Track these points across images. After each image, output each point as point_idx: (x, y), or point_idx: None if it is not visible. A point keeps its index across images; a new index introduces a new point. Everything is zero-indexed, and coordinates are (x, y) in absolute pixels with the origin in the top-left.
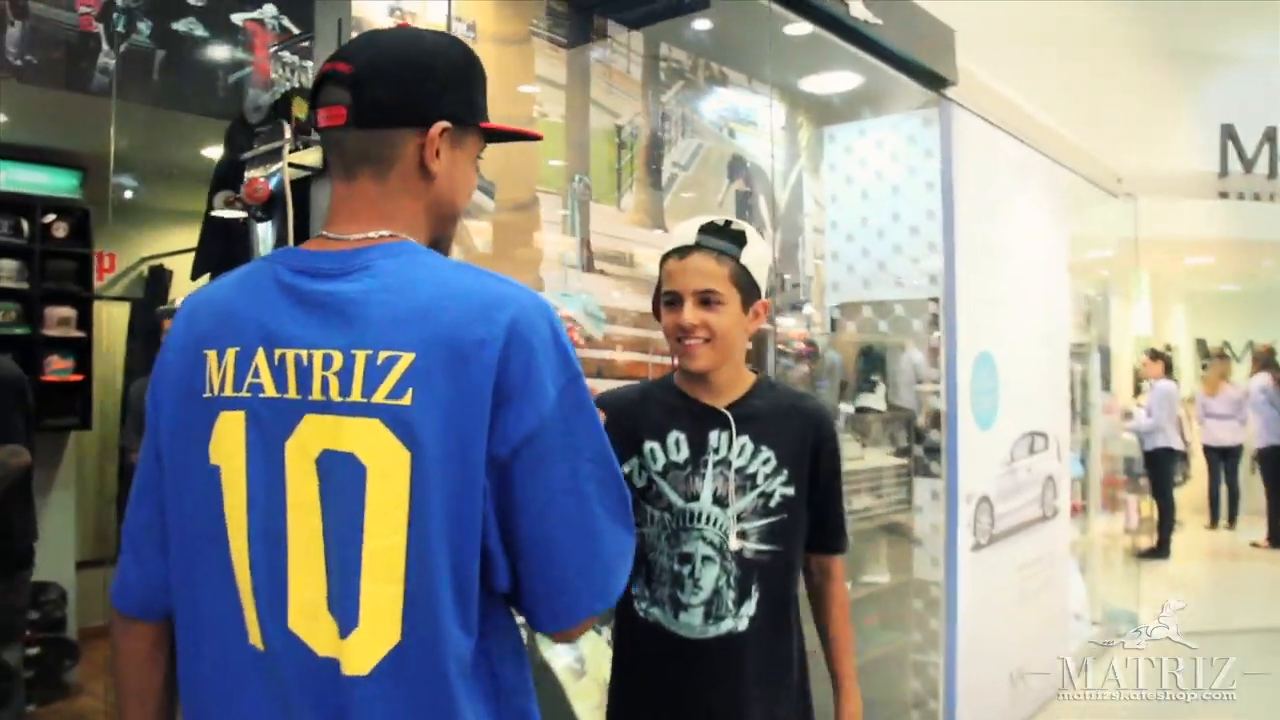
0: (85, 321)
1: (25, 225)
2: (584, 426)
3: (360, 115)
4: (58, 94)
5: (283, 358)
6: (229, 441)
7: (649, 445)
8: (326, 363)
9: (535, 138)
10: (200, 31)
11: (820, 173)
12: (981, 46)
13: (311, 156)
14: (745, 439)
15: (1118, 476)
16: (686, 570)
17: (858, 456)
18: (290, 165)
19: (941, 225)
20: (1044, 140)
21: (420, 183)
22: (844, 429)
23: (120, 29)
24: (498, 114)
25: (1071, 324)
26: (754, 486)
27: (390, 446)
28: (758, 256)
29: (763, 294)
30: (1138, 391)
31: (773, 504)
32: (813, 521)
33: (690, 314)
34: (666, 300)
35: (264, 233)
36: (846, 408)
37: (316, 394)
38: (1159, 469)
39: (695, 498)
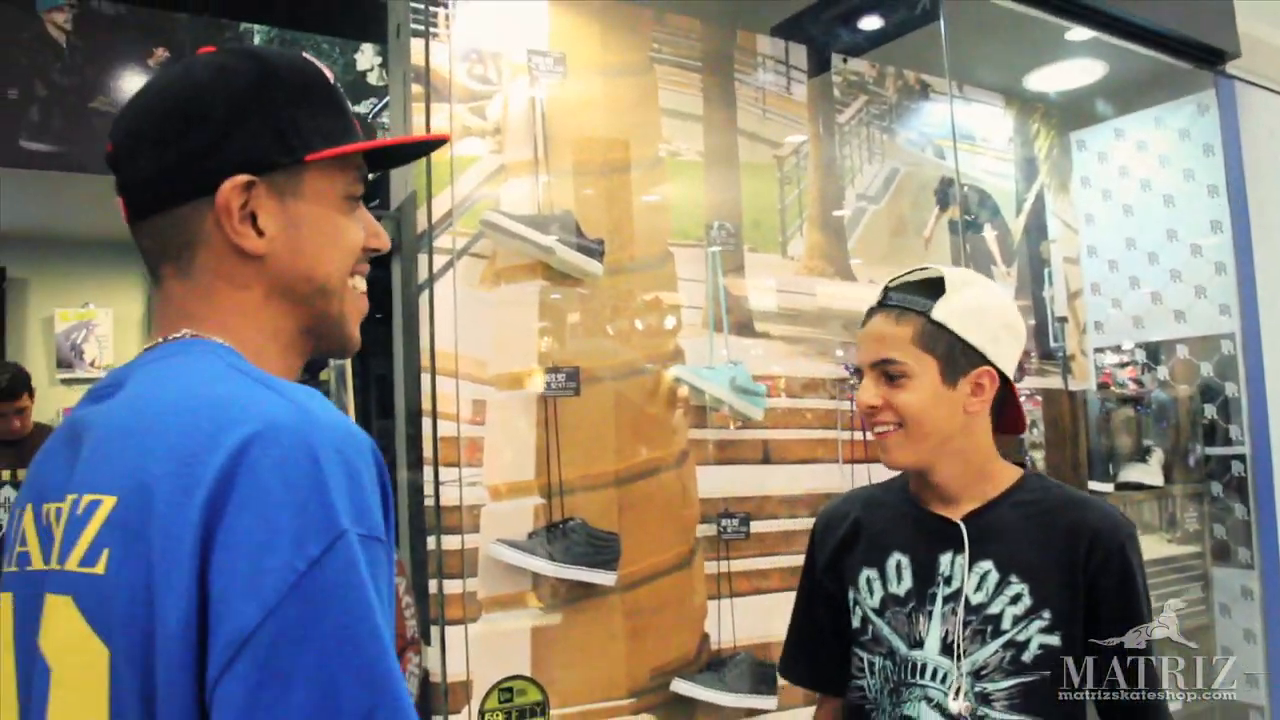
0: None
1: None
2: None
3: (131, 204)
4: None
5: (47, 514)
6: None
7: (865, 574)
8: (57, 515)
9: (438, 143)
10: None
11: (1069, 189)
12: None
13: None
14: (988, 565)
15: None
16: None
17: None
18: None
19: (1233, 240)
20: None
21: (241, 266)
22: None
23: None
24: (609, 159)
25: None
26: (999, 632)
27: (81, 639)
28: (969, 307)
29: (995, 357)
30: None
31: (1026, 658)
32: (1109, 698)
33: (867, 391)
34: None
35: None
36: (1100, 485)
37: (53, 561)
38: None
39: (919, 643)
